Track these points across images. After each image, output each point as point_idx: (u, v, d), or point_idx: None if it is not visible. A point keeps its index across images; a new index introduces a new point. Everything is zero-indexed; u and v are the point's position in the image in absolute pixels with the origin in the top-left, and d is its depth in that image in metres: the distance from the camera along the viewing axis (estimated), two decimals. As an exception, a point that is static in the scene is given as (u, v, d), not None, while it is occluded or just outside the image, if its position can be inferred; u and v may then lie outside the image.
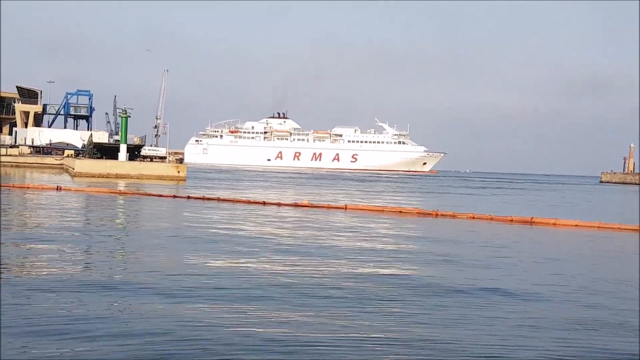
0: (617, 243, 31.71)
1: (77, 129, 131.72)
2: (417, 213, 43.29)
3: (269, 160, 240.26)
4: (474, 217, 41.05)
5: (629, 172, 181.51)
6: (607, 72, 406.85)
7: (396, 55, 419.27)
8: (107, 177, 77.68)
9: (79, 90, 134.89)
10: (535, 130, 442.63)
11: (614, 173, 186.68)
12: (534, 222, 38.93)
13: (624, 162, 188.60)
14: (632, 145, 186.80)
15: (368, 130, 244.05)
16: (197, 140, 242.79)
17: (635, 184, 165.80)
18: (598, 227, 37.39)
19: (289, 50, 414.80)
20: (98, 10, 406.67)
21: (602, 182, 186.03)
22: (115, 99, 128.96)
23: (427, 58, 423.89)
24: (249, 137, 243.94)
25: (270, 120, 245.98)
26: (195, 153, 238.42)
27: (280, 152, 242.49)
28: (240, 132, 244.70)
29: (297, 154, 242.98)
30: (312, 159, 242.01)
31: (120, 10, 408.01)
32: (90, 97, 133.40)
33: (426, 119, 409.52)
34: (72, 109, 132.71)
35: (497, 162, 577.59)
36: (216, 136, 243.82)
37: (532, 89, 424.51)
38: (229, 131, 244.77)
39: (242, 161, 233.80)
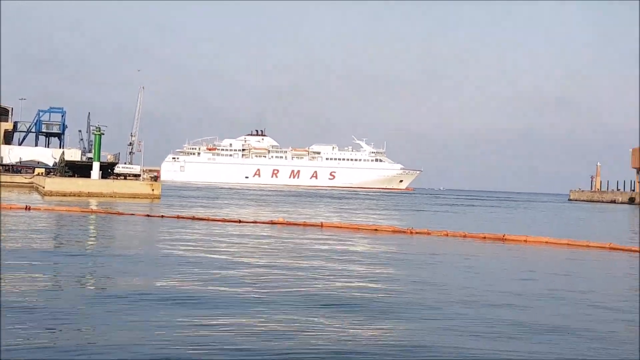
0: (584, 259, 32.36)
1: (49, 147, 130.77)
2: (392, 231, 43.73)
3: (247, 177, 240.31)
4: (447, 235, 41.60)
5: (596, 190, 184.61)
6: (574, 91, 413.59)
7: (373, 74, 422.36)
8: (79, 196, 77.21)
9: (51, 108, 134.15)
10: (507, 148, 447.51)
11: (582, 191, 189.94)
12: (506, 239, 39.55)
13: (592, 181, 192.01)
14: (598, 164, 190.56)
15: (345, 148, 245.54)
16: (174, 158, 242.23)
17: (603, 201, 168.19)
18: (567, 244, 38.10)
19: (268, 69, 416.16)
20: (73, 26, 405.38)
21: (570, 199, 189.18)
22: (89, 116, 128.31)
23: (403, 77, 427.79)
24: (226, 155, 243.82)
25: (248, 137, 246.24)
26: (172, 171, 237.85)
27: (259, 170, 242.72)
28: (218, 149, 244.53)
29: (275, 172, 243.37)
30: (290, 177, 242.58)
31: (96, 26, 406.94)
32: (63, 114, 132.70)
33: (402, 137, 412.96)
34: (44, 126, 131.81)
35: (471, 180, 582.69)
36: (193, 153, 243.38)
37: (504, 108, 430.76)
38: (207, 148, 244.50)
39: (220, 179, 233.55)
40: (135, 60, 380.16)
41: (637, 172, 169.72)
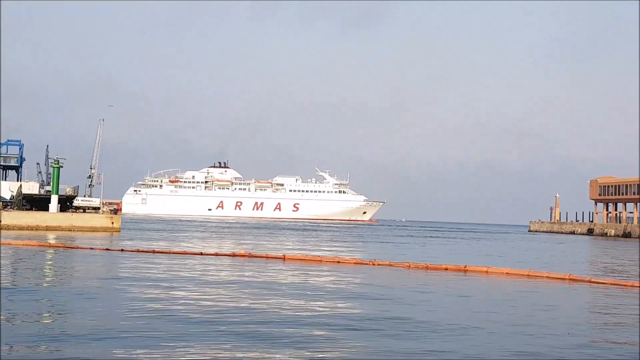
0: (545, 290, 32.65)
1: (6, 180, 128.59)
2: (354, 263, 43.70)
3: (210, 210, 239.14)
4: (409, 266, 41.68)
5: (555, 221, 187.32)
6: (533, 123, 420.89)
7: (336, 105, 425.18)
8: (37, 229, 76.05)
9: (8, 140, 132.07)
10: (468, 180, 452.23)
11: (542, 222, 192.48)
12: (467, 270, 39.78)
13: (551, 212, 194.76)
14: (557, 195, 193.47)
15: (309, 180, 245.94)
16: (136, 190, 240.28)
17: (562, 232, 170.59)
18: (528, 275, 38.39)
19: (231, 100, 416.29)
20: (31, 56, 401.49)
21: (530, 231, 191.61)
22: (47, 148, 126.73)
23: (366, 108, 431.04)
24: (189, 187, 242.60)
25: (211, 169, 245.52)
26: (134, 203, 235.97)
27: (222, 202, 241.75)
28: (181, 181, 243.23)
29: (239, 204, 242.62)
30: (253, 209, 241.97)
31: (55, 58, 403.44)
32: (21, 147, 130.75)
33: (365, 168, 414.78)
34: (1, 159, 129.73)
35: (432, 212, 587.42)
36: (156, 186, 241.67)
37: (464, 140, 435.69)
38: (169, 181, 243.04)
39: (182, 211, 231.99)
40: (95, 92, 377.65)
41: (595, 203, 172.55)
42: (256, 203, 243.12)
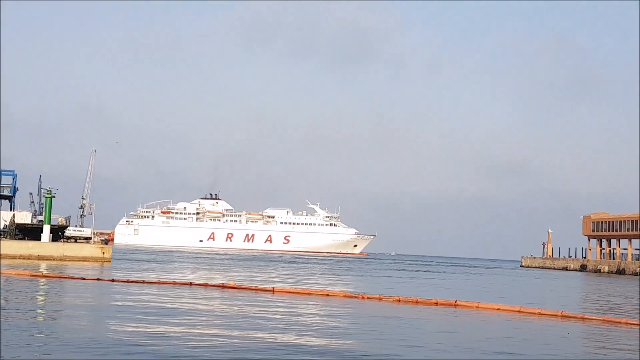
0: (535, 327, 32.81)
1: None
2: (343, 296, 43.83)
3: (201, 241, 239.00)
4: (399, 300, 41.83)
5: (548, 256, 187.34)
6: (526, 157, 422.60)
7: (327, 137, 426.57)
8: (29, 259, 75.96)
9: (2, 170, 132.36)
10: (459, 213, 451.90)
11: (534, 258, 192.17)
12: (458, 305, 39.93)
13: (543, 247, 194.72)
14: (550, 230, 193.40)
15: (300, 212, 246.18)
16: (128, 221, 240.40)
17: (555, 268, 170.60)
18: (519, 311, 38.49)
19: (222, 131, 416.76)
20: (24, 87, 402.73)
21: (522, 266, 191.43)
22: (40, 178, 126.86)
23: (357, 140, 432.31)
24: (181, 218, 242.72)
25: (202, 201, 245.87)
26: (126, 234, 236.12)
27: (213, 233, 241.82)
28: (173, 212, 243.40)
29: (230, 235, 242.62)
30: (244, 240, 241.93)
31: (48, 89, 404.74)
32: (15, 177, 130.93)
33: (356, 201, 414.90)
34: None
35: (423, 245, 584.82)
36: (147, 217, 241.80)
37: (456, 174, 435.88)
38: (161, 212, 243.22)
39: (174, 242, 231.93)
40: (87, 122, 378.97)
41: (589, 239, 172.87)
42: (247, 235, 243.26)
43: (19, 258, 75.81)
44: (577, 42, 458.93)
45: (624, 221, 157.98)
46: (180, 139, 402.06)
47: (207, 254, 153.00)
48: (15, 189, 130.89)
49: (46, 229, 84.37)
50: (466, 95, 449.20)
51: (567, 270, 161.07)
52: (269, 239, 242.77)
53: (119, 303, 34.31)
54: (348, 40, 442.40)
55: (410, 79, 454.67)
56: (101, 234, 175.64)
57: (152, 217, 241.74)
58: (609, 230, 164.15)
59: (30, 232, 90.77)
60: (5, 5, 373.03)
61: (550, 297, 59.70)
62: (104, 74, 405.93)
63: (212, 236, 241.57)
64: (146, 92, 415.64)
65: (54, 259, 77.14)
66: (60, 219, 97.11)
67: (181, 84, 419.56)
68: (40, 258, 77.20)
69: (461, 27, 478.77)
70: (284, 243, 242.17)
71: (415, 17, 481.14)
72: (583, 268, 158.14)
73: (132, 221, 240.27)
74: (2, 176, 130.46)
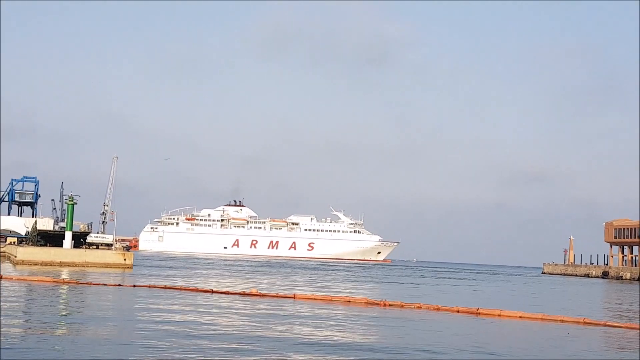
0: (558, 334, 32.36)
1: (21, 216, 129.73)
2: (365, 303, 43.56)
3: (225, 248, 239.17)
4: (420, 307, 41.50)
5: (570, 263, 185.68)
6: (548, 164, 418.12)
7: (349, 144, 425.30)
8: (50, 265, 76.47)
9: (24, 177, 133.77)
10: (481, 220, 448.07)
11: (556, 264, 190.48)
12: (479, 313, 39.48)
13: (565, 254, 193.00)
14: (571, 237, 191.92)
15: (323, 219, 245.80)
16: (153, 228, 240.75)
17: (576, 275, 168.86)
18: (542, 318, 37.99)
19: (243, 139, 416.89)
20: (46, 95, 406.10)
21: (544, 273, 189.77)
22: (62, 185, 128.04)
23: (380, 148, 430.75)
24: (205, 225, 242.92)
25: (226, 207, 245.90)
26: (151, 240, 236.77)
27: (237, 240, 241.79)
28: (197, 219, 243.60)
29: (254, 242, 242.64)
30: (269, 247, 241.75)
31: (70, 96, 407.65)
32: (37, 183, 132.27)
33: (378, 208, 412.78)
34: (16, 195, 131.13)
35: (445, 252, 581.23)
36: (172, 223, 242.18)
37: (478, 181, 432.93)
38: (186, 218, 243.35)
39: (198, 249, 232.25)
40: (109, 130, 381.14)
41: (611, 246, 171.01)
42: (271, 242, 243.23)
43: (41, 264, 76.33)
44: (600, 48, 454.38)
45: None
46: (202, 146, 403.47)
47: (232, 260, 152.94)
48: (37, 196, 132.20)
49: (68, 235, 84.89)
50: (489, 103, 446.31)
51: (588, 277, 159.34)
52: (293, 245, 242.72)
53: (141, 308, 34.28)
54: (369, 48, 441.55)
55: (432, 86, 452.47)
56: (123, 240, 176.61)
57: (177, 223, 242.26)
58: (631, 237, 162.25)
59: (52, 239, 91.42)
60: (29, 13, 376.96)
61: (573, 304, 58.91)
62: (126, 82, 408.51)
63: (236, 243, 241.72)
64: (168, 100, 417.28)
65: (75, 266, 77.55)
66: (82, 226, 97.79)
67: (202, 92, 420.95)
68: (62, 265, 77.64)
69: (483, 34, 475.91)
70: (308, 250, 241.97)
71: (437, 23, 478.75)
72: (605, 275, 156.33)
73: (156, 228, 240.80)
74: (25, 183, 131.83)
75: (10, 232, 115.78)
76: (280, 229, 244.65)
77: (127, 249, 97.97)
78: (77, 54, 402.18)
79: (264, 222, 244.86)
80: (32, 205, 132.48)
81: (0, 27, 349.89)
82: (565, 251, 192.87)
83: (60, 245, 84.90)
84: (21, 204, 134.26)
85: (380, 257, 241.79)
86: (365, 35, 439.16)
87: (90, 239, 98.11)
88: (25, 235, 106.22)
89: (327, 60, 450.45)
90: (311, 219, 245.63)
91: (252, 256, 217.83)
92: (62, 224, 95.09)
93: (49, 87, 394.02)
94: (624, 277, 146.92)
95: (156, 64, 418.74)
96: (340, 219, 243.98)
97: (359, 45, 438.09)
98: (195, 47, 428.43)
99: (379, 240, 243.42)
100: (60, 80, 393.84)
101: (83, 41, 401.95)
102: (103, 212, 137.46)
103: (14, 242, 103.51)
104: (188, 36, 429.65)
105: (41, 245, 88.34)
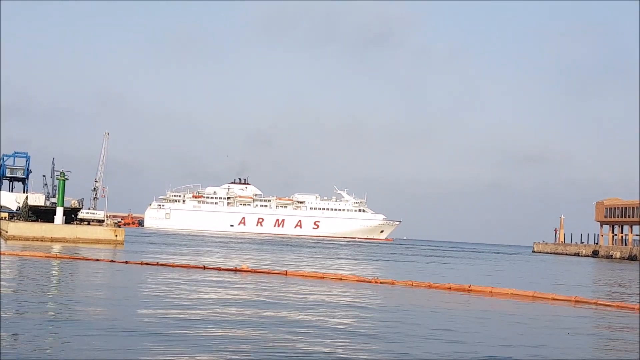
0: (550, 312, 32.15)
1: (12, 191, 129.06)
2: (356, 280, 43.30)
3: (232, 225, 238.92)
4: (412, 285, 41.35)
5: (560, 242, 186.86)
6: (540, 144, 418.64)
7: (351, 124, 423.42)
8: (42, 241, 76.64)
9: (15, 152, 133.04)
10: (475, 201, 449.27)
11: (546, 243, 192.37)
12: (471, 290, 39.33)
13: (555, 233, 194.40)
14: (562, 216, 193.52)
15: (327, 198, 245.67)
16: (159, 205, 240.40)
17: (566, 254, 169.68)
18: (533, 296, 38.04)
19: (249, 117, 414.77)
20: (40, 71, 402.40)
21: (534, 251, 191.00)
22: (53, 161, 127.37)
23: (383, 129, 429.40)
24: (212, 203, 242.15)
25: (232, 185, 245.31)
26: (157, 217, 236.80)
27: (244, 218, 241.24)
28: (203, 197, 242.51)
29: (260, 220, 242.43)
30: (275, 225, 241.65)
31: (64, 72, 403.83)
32: (28, 159, 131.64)
33: (378, 188, 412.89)
34: (8, 170, 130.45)
35: (440, 231, 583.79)
36: (178, 201, 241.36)
37: (475, 161, 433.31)
38: (192, 196, 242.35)
39: (205, 227, 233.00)
40: (105, 106, 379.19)
41: (601, 225, 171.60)
42: (277, 220, 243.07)
43: (32, 240, 76.28)
44: (600, 28, 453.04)
45: (637, 207, 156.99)
46: (204, 124, 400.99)
47: (238, 238, 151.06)
48: (28, 171, 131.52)
49: (59, 211, 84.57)
50: (487, 83, 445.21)
51: (578, 256, 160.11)
52: (299, 224, 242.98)
53: (137, 285, 33.90)
54: (371, 29, 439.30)
55: (432, 67, 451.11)
56: (114, 216, 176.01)
57: (183, 201, 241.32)
58: (621, 217, 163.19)
59: (44, 214, 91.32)
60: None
61: (564, 282, 58.87)
62: (124, 56, 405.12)
63: (242, 221, 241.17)
64: (171, 79, 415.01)
65: (67, 241, 77.61)
66: (73, 202, 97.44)
67: (205, 70, 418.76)
68: (53, 240, 77.71)
69: (482, 15, 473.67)
70: (313, 228, 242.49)
71: (438, 4, 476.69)
72: (595, 254, 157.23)
73: (163, 205, 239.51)
74: (16, 158, 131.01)
75: (2, 207, 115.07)
76: (285, 207, 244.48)
77: (118, 225, 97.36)
78: (72, 29, 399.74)
79: (270, 201, 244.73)
80: (23, 180, 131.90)
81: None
82: (555, 230, 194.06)
83: (52, 220, 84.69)
84: (12, 180, 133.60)
85: (383, 236, 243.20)
86: (368, 14, 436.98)
87: (81, 214, 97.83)
88: (17, 210, 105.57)
89: (330, 39, 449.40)
90: (316, 197, 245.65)
91: (258, 234, 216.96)
92: (54, 200, 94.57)
93: (41, 62, 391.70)
94: (613, 256, 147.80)
95: (158, 42, 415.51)
96: (344, 197, 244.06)
97: (363, 25, 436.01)
98: (197, 25, 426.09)
99: (383, 219, 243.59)
100: (53, 55, 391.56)
101: (79, 16, 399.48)
102: (94, 188, 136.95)
103: (5, 218, 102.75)
104: (190, 15, 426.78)
105: (32, 221, 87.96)
